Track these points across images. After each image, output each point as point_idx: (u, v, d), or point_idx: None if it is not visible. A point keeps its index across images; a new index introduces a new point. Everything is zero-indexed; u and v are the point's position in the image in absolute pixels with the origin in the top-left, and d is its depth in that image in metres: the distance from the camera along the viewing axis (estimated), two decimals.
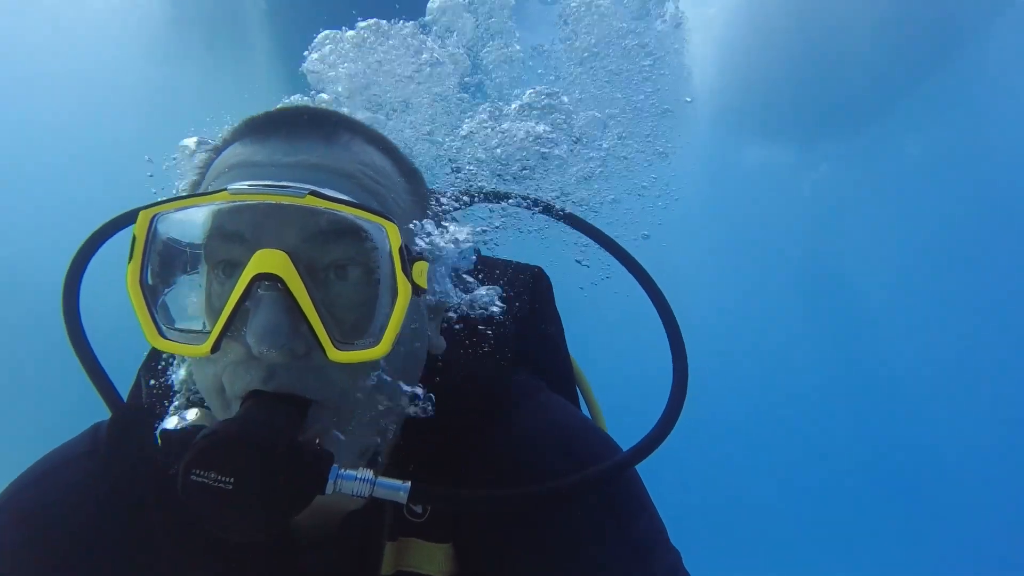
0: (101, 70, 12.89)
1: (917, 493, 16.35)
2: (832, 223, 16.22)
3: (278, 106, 0.85)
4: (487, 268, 1.14)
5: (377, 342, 0.72)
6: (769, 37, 12.24)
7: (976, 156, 14.36)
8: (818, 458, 17.60)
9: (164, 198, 0.74)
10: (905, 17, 10.95)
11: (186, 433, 0.71)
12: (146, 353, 0.98)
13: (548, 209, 1.18)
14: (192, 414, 0.79)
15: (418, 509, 0.86)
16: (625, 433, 0.98)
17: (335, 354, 0.70)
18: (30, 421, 12.16)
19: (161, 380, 0.92)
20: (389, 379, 0.79)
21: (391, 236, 0.71)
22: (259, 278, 0.68)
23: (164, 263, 0.75)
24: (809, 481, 17.42)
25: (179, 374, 0.86)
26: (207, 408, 0.79)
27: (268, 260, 0.68)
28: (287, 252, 0.69)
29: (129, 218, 0.91)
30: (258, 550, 0.86)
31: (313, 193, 0.69)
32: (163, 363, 0.94)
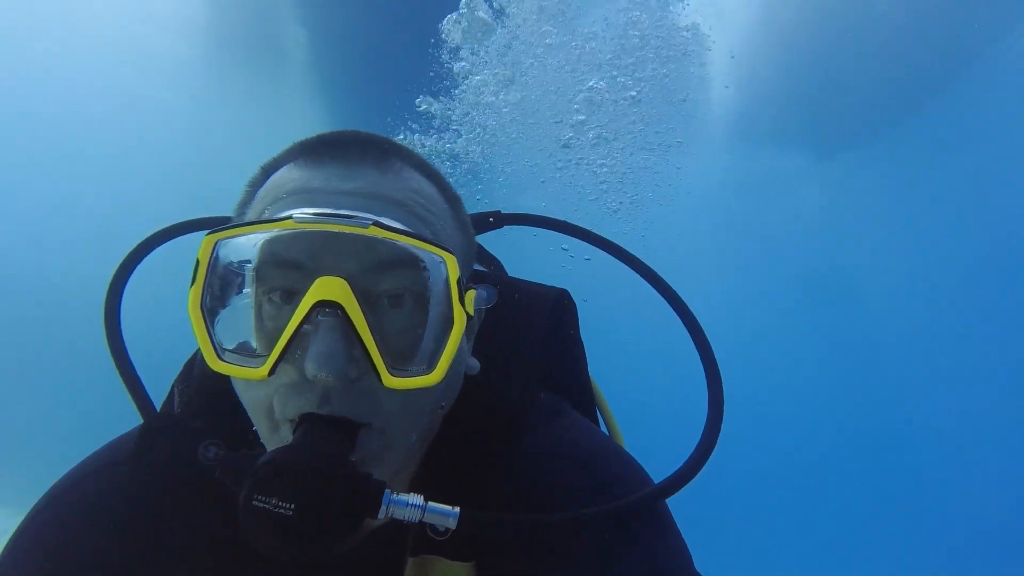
0: (142, 100, 13.42)
1: (918, 498, 16.36)
2: (843, 230, 16.43)
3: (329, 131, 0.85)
4: (509, 289, 1.12)
5: (431, 369, 0.73)
6: (785, 46, 12.31)
7: (986, 169, 14.32)
8: (819, 459, 17.63)
9: (227, 224, 0.76)
10: (920, 30, 10.96)
11: (245, 458, 0.72)
12: (183, 365, 0.99)
13: (577, 231, 1.18)
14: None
15: (440, 528, 0.84)
16: (644, 459, 0.95)
17: (390, 380, 0.70)
18: (62, 424, 12.52)
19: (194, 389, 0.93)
20: (433, 402, 0.79)
21: (450, 267, 0.72)
22: (320, 305, 0.69)
23: (221, 287, 0.76)
24: (811, 484, 17.46)
25: None
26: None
27: (329, 287, 0.69)
28: (346, 280, 0.70)
29: (168, 233, 0.94)
30: (281, 565, 0.84)
31: (376, 224, 0.70)
32: (199, 370, 0.94)
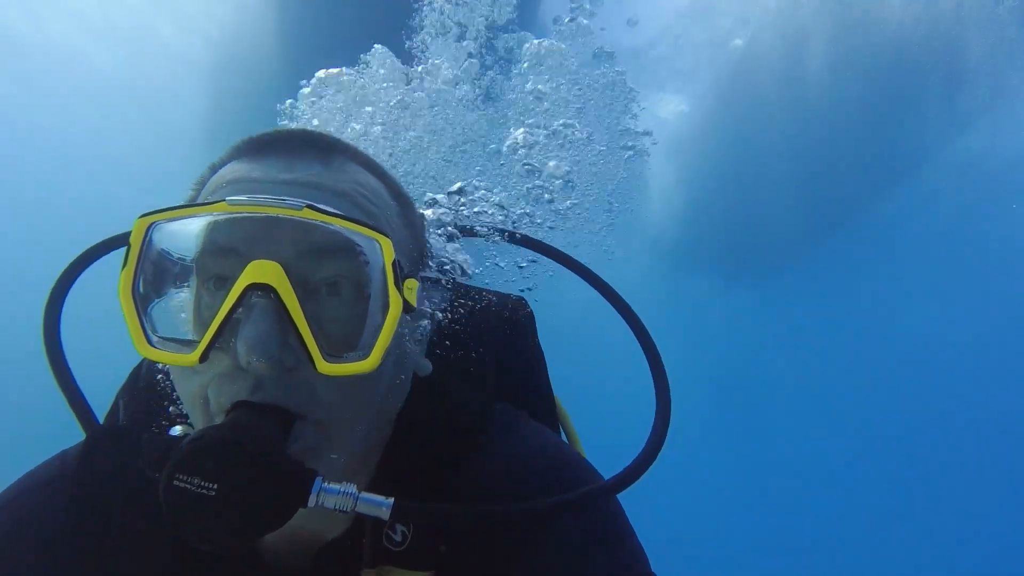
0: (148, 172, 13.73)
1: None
2: (747, 346, 20.62)
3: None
4: (466, 296, 1.08)
5: (367, 356, 0.67)
6: (705, 192, 14.48)
7: (854, 303, 18.62)
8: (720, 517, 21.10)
9: (160, 208, 0.70)
10: (802, 195, 13.55)
11: (169, 439, 0.65)
12: (127, 376, 0.92)
13: (543, 248, 1.12)
14: (177, 430, 0.73)
15: (397, 537, 0.77)
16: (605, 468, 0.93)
17: (324, 367, 0.65)
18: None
19: (144, 398, 0.84)
20: (375, 397, 0.73)
21: (384, 250, 0.68)
22: (252, 288, 0.64)
23: (156, 273, 0.70)
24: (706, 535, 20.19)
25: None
26: (190, 424, 0.73)
27: (262, 270, 0.65)
28: (282, 265, 0.66)
29: (117, 242, 0.87)
30: None
31: (310, 207, 0.66)
32: (146, 380, 0.87)
